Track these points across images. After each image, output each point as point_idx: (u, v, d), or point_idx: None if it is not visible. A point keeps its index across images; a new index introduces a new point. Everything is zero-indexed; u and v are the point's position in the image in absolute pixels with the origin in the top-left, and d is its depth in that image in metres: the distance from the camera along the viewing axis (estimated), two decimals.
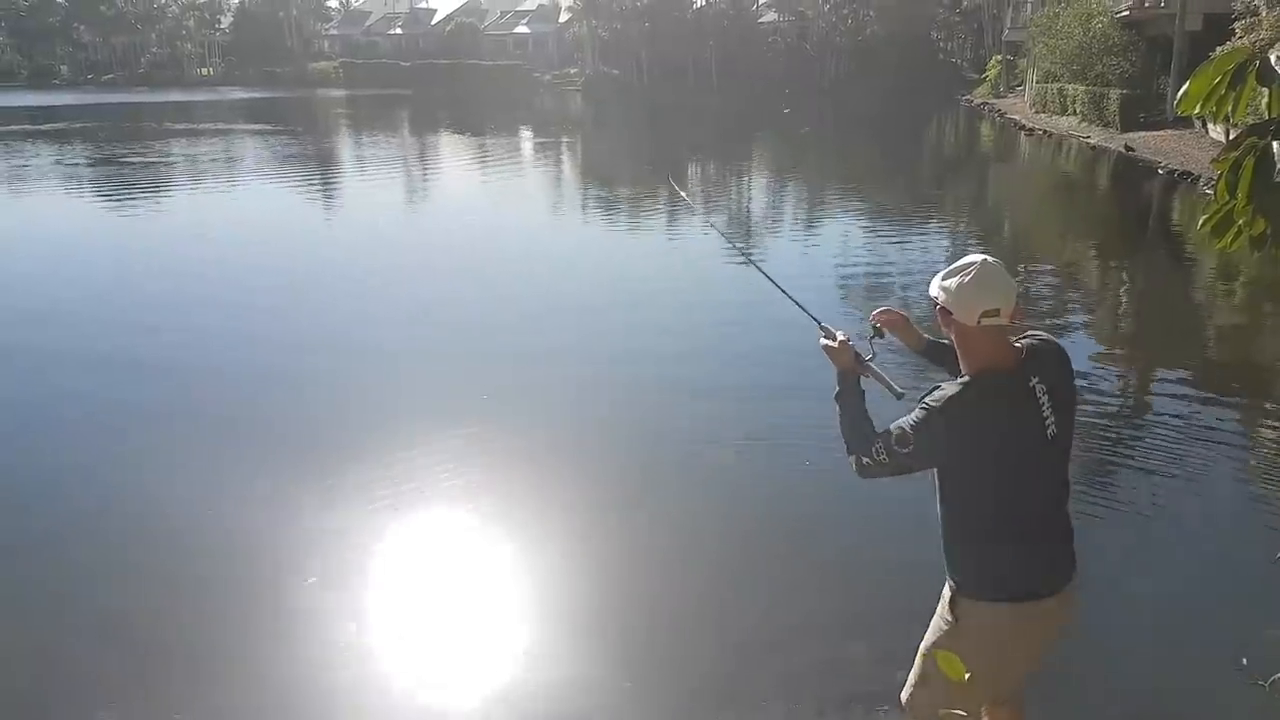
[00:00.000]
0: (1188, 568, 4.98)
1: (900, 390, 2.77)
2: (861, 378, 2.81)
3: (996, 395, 2.47)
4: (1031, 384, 2.49)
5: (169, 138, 33.20)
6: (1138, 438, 6.84)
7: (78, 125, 39.19)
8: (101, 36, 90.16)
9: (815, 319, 2.98)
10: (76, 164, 26.16)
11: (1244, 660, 3.91)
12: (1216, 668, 4.00)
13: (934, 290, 2.54)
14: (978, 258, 2.50)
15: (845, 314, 9.42)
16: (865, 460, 2.62)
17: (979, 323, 2.45)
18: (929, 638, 2.82)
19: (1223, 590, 4.71)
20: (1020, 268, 12.50)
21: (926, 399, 2.50)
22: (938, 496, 2.64)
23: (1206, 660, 4.09)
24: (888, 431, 2.55)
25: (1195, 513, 5.61)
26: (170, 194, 19.99)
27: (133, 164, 25.23)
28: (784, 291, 3.28)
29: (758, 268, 3.51)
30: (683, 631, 4.36)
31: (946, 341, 2.78)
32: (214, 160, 26.76)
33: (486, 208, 18.74)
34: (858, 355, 2.81)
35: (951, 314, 2.49)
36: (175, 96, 62.13)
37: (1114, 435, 6.75)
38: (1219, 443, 6.58)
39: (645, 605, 4.55)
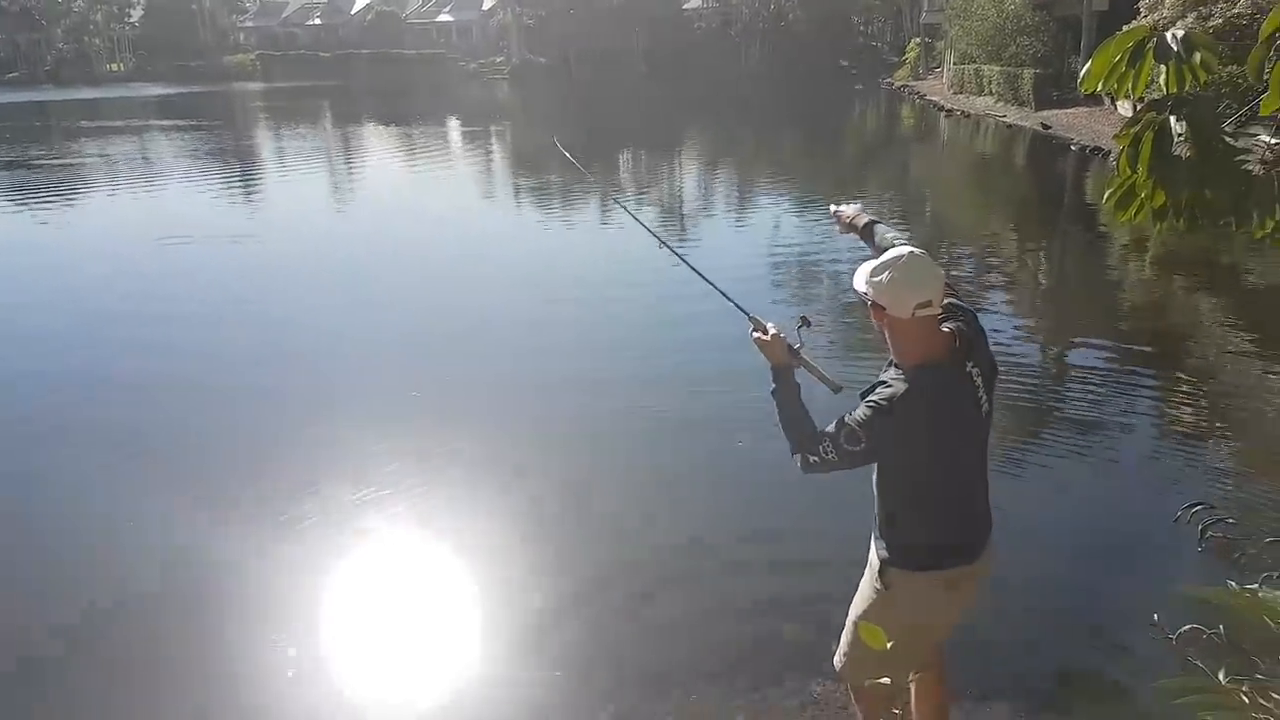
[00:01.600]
0: (1102, 526, 5.18)
1: (838, 384, 2.80)
2: (796, 370, 2.79)
3: (942, 388, 2.51)
4: (969, 369, 2.55)
5: (79, 137, 32.02)
6: (1052, 403, 7.13)
7: None
8: (4, 34, 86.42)
9: (745, 311, 2.95)
10: None
11: (1155, 616, 4.07)
12: (1129, 625, 4.16)
13: (861, 286, 2.53)
14: (904, 250, 2.52)
15: (776, 304, 9.52)
16: (812, 459, 2.59)
17: (913, 315, 2.47)
18: (857, 606, 2.90)
19: (1134, 548, 4.90)
20: (943, 245, 12.80)
21: (874, 397, 2.50)
22: (874, 474, 2.70)
23: (1120, 616, 4.26)
24: (836, 429, 2.54)
25: (1107, 474, 5.84)
26: (80, 197, 19.26)
27: (40, 166, 24.26)
28: (713, 285, 3.25)
29: (687, 263, 3.42)
30: (617, 615, 4.41)
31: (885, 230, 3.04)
32: (128, 160, 25.87)
33: (411, 203, 18.43)
34: (790, 347, 2.79)
35: (884, 309, 2.50)
36: (85, 94, 59.82)
37: (1030, 401, 7.01)
38: (1131, 406, 6.90)
39: (584, 596, 4.58)
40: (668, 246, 3.60)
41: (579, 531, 5.20)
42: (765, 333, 2.81)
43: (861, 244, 3.18)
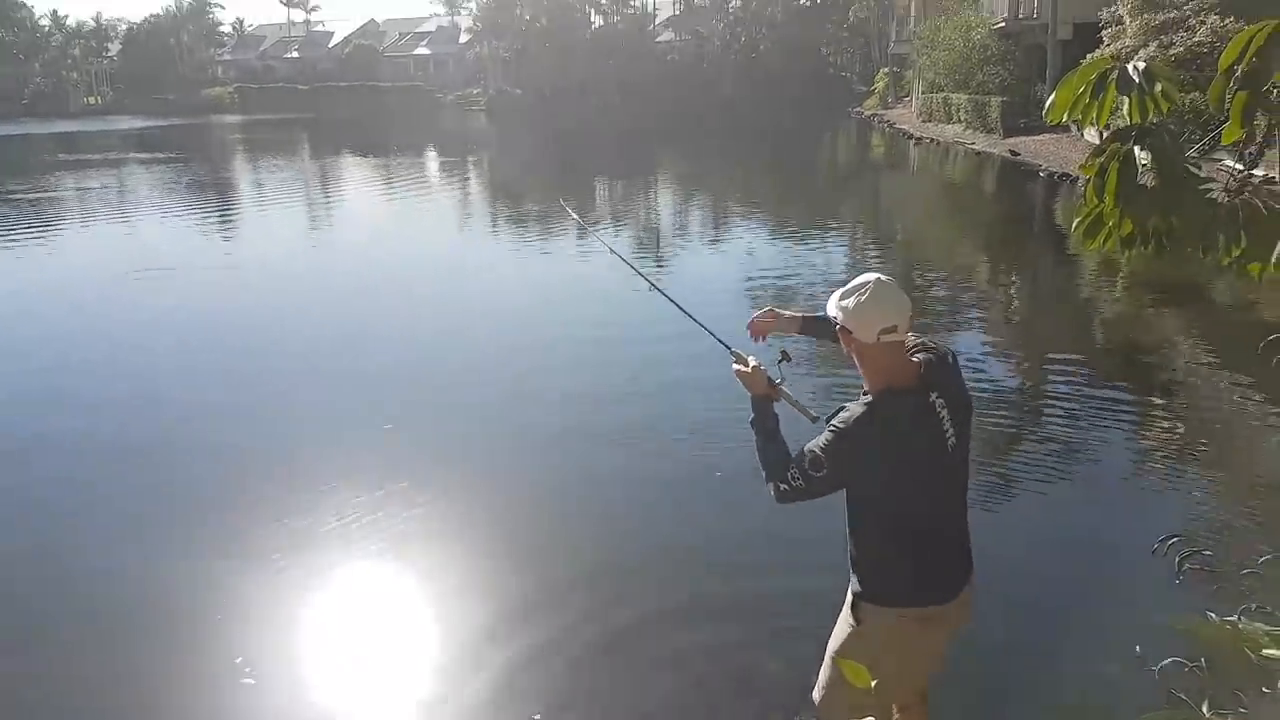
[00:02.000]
0: (1080, 558, 5.16)
1: (815, 415, 2.83)
2: (776, 402, 2.85)
3: (900, 413, 2.54)
4: (932, 399, 2.57)
5: (55, 170, 31.87)
6: (1026, 428, 7.15)
7: None
8: None
9: (726, 345, 3.05)
10: None
11: (1137, 649, 4.05)
12: (1111, 657, 4.13)
13: (832, 310, 2.62)
14: (872, 277, 2.59)
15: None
16: (783, 487, 2.66)
17: (878, 339, 2.53)
18: (834, 641, 2.88)
19: (1116, 579, 4.90)
20: (915, 271, 12.91)
21: (833, 421, 2.57)
22: (845, 507, 2.71)
23: (1102, 649, 4.22)
24: (800, 456, 2.61)
25: (1086, 503, 5.84)
26: (53, 231, 19.10)
27: (15, 200, 24.07)
28: (694, 319, 3.29)
29: (666, 296, 3.47)
30: (595, 654, 4.35)
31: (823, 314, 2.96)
32: (104, 193, 25.73)
33: (389, 235, 18.42)
34: (769, 380, 2.86)
35: (851, 333, 2.57)
36: (62, 127, 59.69)
37: (1007, 430, 7.03)
38: (1105, 430, 6.93)
39: (561, 635, 4.52)
40: (657, 289, 3.62)
41: (556, 570, 5.12)
42: (746, 365, 2.88)
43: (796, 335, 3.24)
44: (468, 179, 30.41)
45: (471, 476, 6.40)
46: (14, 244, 17.31)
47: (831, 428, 2.56)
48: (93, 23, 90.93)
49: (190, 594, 4.94)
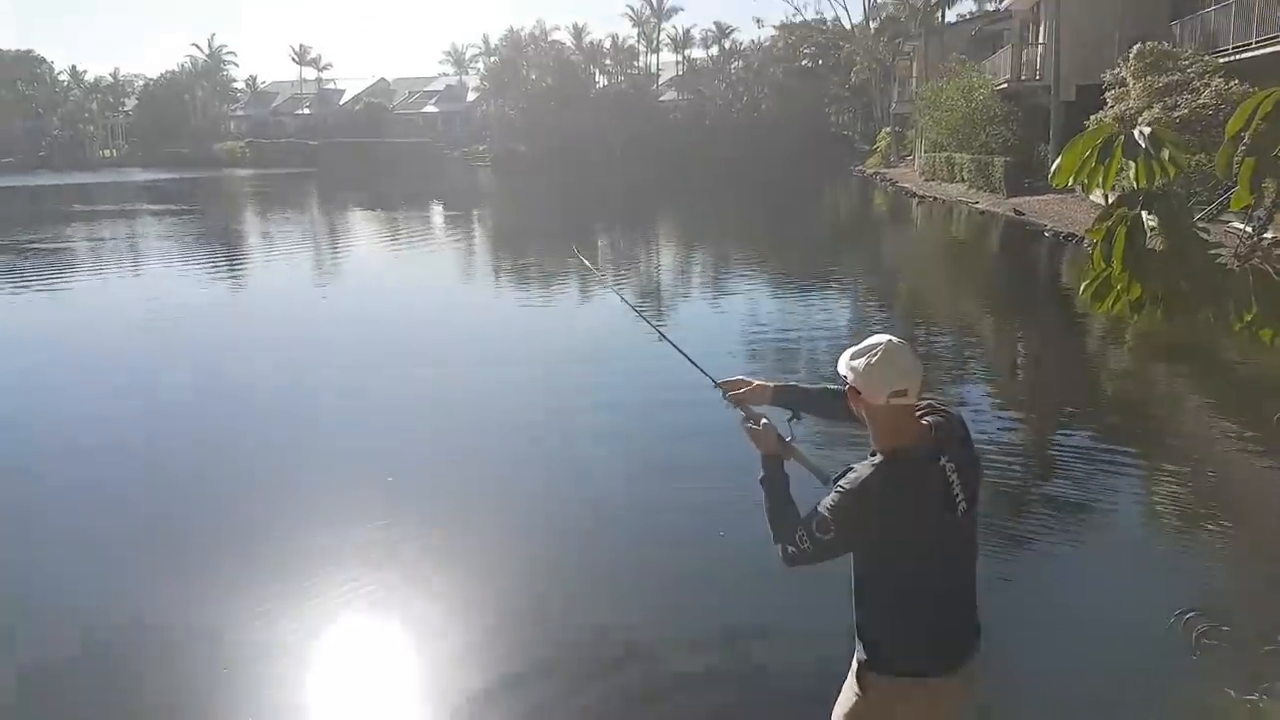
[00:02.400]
0: (1092, 629, 4.99)
1: (827, 474, 2.74)
2: (786, 461, 2.80)
3: (909, 476, 2.49)
4: (942, 462, 2.52)
5: (71, 221, 32.19)
6: (1035, 492, 7.04)
7: None
8: (1, 120, 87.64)
9: (709, 376, 3.05)
10: None
11: None
12: None
13: (842, 369, 2.58)
14: (883, 338, 2.55)
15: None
16: (790, 550, 2.60)
17: (887, 401, 2.49)
18: (838, 710, 2.81)
19: (1129, 652, 4.76)
20: (919, 329, 12.89)
21: (840, 481, 2.52)
22: (852, 572, 2.65)
23: None
24: (808, 517, 2.56)
25: (1097, 571, 5.72)
26: (73, 280, 19.22)
27: (30, 250, 24.24)
28: (703, 371, 3.22)
29: (677, 348, 3.38)
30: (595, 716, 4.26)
31: (804, 385, 3.00)
32: (117, 243, 26.00)
33: (394, 287, 18.50)
34: (780, 438, 2.82)
35: (860, 393, 2.54)
36: (78, 179, 60.52)
37: (1014, 494, 6.92)
38: (1116, 495, 6.82)
39: (559, 697, 4.43)
40: (669, 341, 3.50)
41: (557, 629, 5.04)
42: (756, 423, 2.85)
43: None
44: (472, 232, 30.65)
45: (471, 528, 6.31)
46: (28, 291, 17.40)
47: (838, 489, 2.51)
48: (110, 78, 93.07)
49: (190, 647, 4.85)
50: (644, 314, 3.66)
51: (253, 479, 7.54)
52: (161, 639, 4.97)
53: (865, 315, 14.64)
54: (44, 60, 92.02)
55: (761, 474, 2.77)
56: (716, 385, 3.06)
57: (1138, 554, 5.98)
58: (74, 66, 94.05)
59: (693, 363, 3.28)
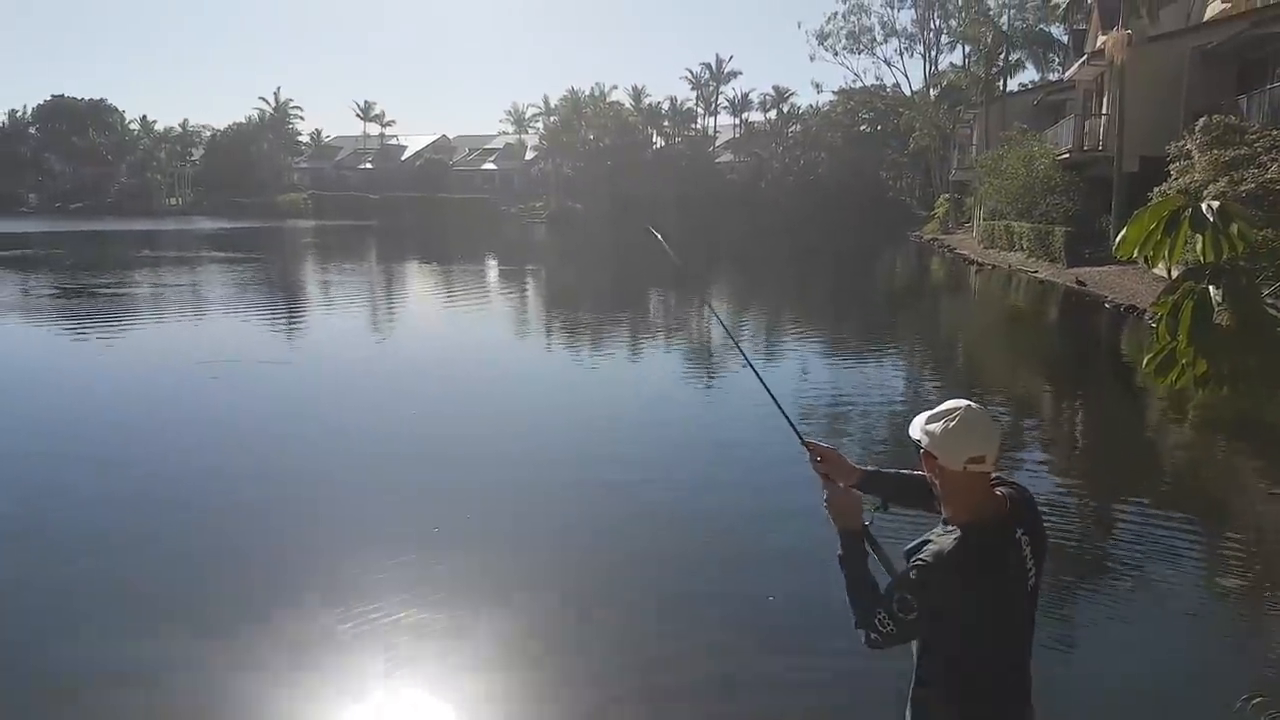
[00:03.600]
0: (1152, 712, 4.85)
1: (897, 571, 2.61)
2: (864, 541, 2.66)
3: (988, 548, 2.42)
4: (1017, 535, 2.46)
5: (140, 267, 33.27)
6: (1094, 568, 6.82)
7: (43, 252, 39.34)
8: (72, 167, 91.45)
9: (799, 434, 2.94)
10: (40, 293, 26.08)
11: None
12: None
13: (916, 433, 2.52)
14: (962, 403, 2.50)
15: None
16: (873, 635, 2.48)
17: (964, 468, 2.43)
18: None
19: None
20: (975, 397, 12.63)
21: (919, 555, 2.43)
22: (915, 649, 2.56)
23: None
24: (888, 596, 2.46)
25: (1157, 651, 5.54)
26: (136, 324, 19.77)
27: (98, 294, 25.08)
28: (792, 425, 3.06)
29: (783, 412, 3.13)
30: None
31: (898, 472, 2.82)
32: (179, 289, 26.77)
33: (450, 339, 18.75)
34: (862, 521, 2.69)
35: (936, 458, 2.47)
36: (145, 225, 62.64)
37: (1072, 568, 6.71)
38: (1177, 572, 6.60)
39: None
40: (779, 406, 3.18)
41: (613, 688, 4.99)
42: (839, 493, 2.72)
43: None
44: (525, 286, 31.02)
45: (521, 584, 6.27)
46: (92, 334, 17.94)
47: (919, 561, 2.42)
48: (179, 128, 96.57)
49: (237, 701, 4.87)
50: (739, 344, 3.27)
51: (297, 526, 7.60)
52: (204, 695, 4.96)
53: (920, 381, 14.45)
54: (116, 109, 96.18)
55: (839, 550, 2.63)
56: (804, 444, 2.91)
57: (1200, 629, 5.79)
58: (144, 116, 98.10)
59: (784, 414, 3.12)
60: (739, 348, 3.56)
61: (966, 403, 2.50)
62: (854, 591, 2.56)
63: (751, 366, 3.43)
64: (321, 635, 5.48)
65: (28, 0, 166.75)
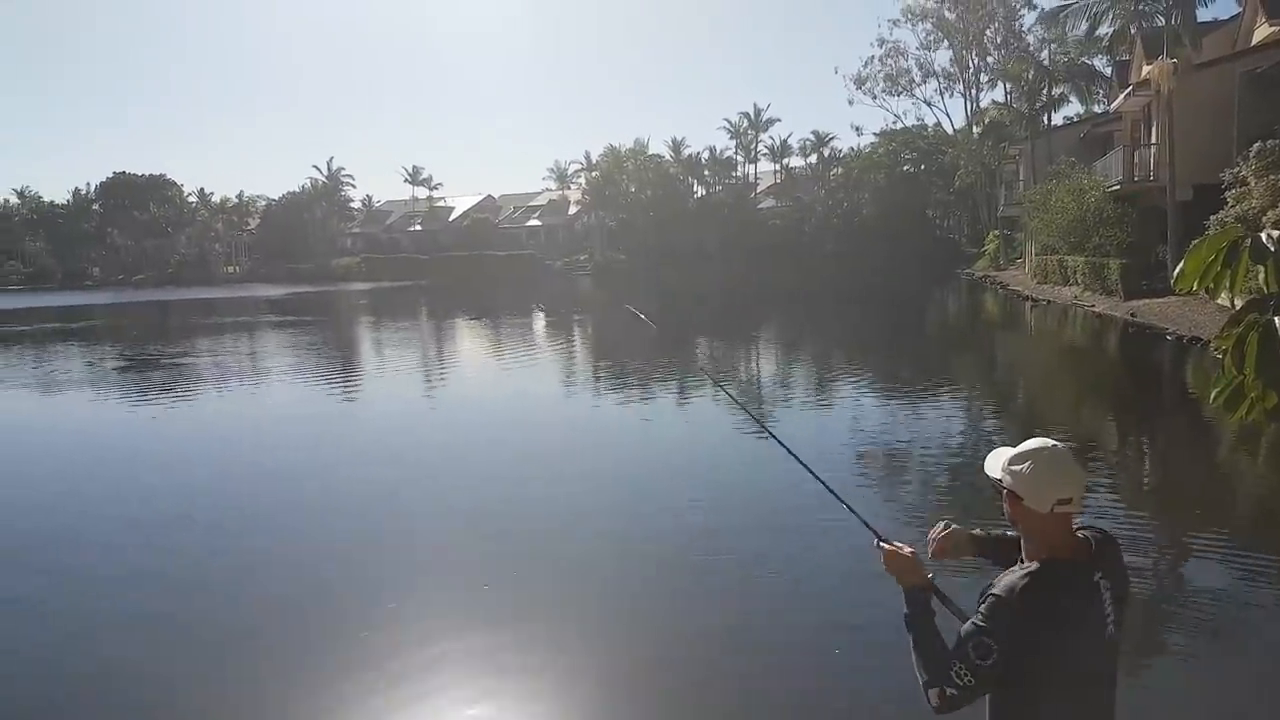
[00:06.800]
0: None
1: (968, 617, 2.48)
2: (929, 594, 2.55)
3: (1065, 586, 2.34)
4: (1097, 578, 2.38)
5: (202, 334, 34.22)
6: (1171, 610, 6.58)
7: (107, 323, 40.75)
8: (133, 240, 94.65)
9: (874, 530, 2.73)
10: (103, 363, 26.89)
11: None
12: None
13: (997, 473, 2.46)
14: (1047, 442, 2.44)
15: (887, 502, 9.24)
16: (950, 692, 2.33)
17: (1052, 510, 2.37)
18: None
19: None
20: (1041, 434, 12.34)
21: (992, 590, 2.34)
22: (988, 701, 2.44)
23: None
24: (962, 645, 2.31)
25: (1237, 694, 5.32)
26: (197, 391, 20.17)
27: (164, 363, 25.76)
28: (838, 497, 2.97)
29: (816, 476, 3.05)
30: None
31: (1003, 534, 2.67)
32: (238, 354, 27.42)
33: (500, 394, 18.87)
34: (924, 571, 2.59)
35: (1022, 500, 2.40)
36: (204, 294, 64.51)
37: (1146, 608, 6.49)
38: (1255, 613, 6.34)
39: None
40: (810, 471, 3.11)
41: None
42: (899, 552, 2.59)
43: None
44: (572, 338, 31.22)
45: (571, 642, 6.24)
46: (160, 403, 18.36)
47: (993, 597, 2.31)
48: (235, 199, 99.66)
49: None
50: (799, 457, 2.96)
51: (349, 582, 7.64)
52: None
53: (979, 421, 14.20)
54: (174, 183, 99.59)
55: (905, 609, 2.51)
56: (878, 544, 2.67)
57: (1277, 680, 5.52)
58: (202, 189, 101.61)
59: (855, 513, 2.89)
60: (797, 458, 3.22)
61: (1052, 442, 2.44)
62: (924, 650, 2.43)
63: (812, 472, 3.11)
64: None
65: (90, 81, 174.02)
